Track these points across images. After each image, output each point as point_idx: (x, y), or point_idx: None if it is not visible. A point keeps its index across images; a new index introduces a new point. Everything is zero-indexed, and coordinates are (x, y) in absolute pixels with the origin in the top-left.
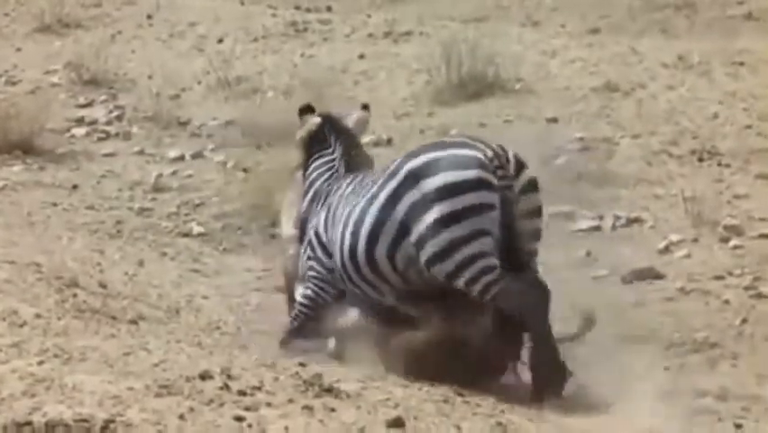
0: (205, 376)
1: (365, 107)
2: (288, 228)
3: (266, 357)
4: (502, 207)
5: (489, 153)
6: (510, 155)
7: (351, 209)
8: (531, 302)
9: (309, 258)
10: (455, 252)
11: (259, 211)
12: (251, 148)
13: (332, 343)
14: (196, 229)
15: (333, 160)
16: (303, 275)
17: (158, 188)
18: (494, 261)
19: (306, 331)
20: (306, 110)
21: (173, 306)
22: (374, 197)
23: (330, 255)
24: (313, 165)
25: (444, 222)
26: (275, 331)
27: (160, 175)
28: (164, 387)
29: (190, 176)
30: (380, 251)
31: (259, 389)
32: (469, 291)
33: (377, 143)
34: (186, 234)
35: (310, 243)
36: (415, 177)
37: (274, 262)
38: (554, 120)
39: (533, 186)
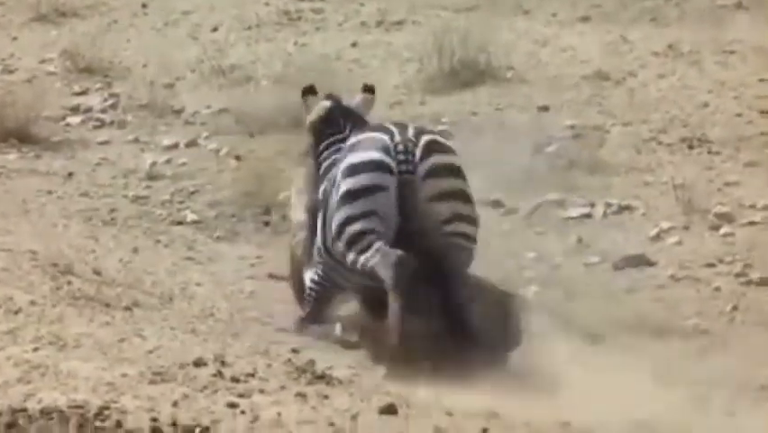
0: (198, 363)
1: (368, 89)
2: (297, 213)
3: (259, 344)
4: (399, 190)
5: (397, 138)
6: (423, 140)
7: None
8: (391, 275)
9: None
10: (347, 228)
11: (251, 199)
12: (244, 136)
13: (338, 328)
14: (190, 217)
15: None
16: (313, 260)
17: (152, 176)
18: (375, 239)
19: (321, 316)
20: (309, 91)
21: (167, 293)
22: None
23: None
24: (326, 149)
25: (342, 200)
26: (269, 318)
27: (155, 163)
28: (158, 374)
29: (184, 164)
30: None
31: (252, 376)
32: (358, 267)
33: None
34: (179, 222)
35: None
36: (343, 157)
37: (267, 249)
38: (546, 108)
39: (442, 170)
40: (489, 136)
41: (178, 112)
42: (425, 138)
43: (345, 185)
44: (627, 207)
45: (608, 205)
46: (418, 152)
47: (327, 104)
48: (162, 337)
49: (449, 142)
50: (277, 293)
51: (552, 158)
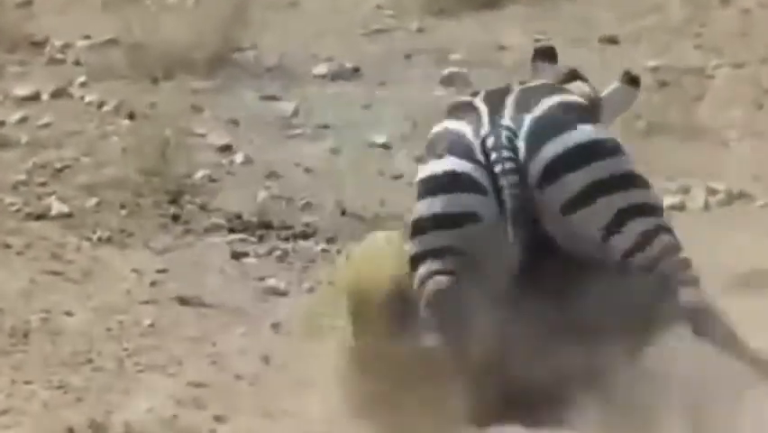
0: None
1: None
2: None
3: (163, 407)
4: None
5: (485, 127)
6: (528, 121)
7: None
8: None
9: None
10: (414, 270)
11: (152, 179)
12: (141, 82)
13: None
14: (57, 208)
15: None
16: None
17: None
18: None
19: None
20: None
21: (20, 327)
22: None
23: None
24: None
25: (410, 231)
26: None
27: (2, 123)
28: None
29: (47, 125)
30: None
31: None
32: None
33: (336, 75)
34: (40, 216)
35: None
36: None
37: (176, 257)
38: (613, 40)
39: (572, 160)
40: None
41: (39, 45)
42: (532, 116)
43: (414, 211)
44: (742, 195)
45: (712, 191)
46: (523, 144)
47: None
48: (12, 396)
49: (581, 106)
50: (190, 327)
51: (623, 118)
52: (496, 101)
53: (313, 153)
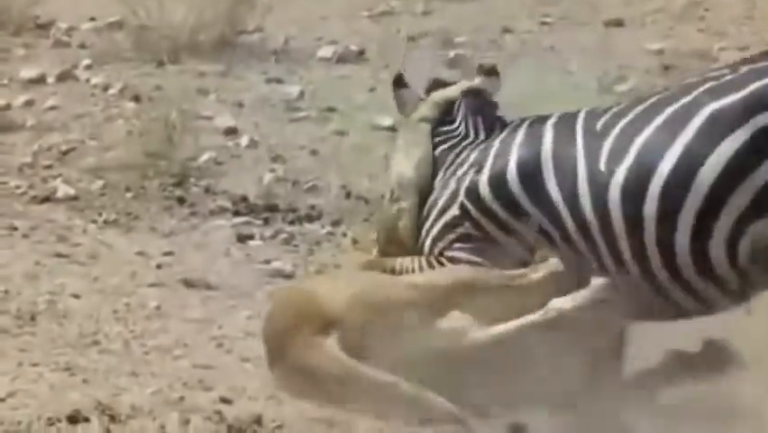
0: (75, 418)
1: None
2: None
3: (170, 388)
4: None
5: None
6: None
7: None
8: None
9: None
10: None
11: (158, 162)
12: (146, 65)
13: None
14: (63, 190)
15: None
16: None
17: (3, 127)
18: None
19: None
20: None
21: (26, 309)
22: None
23: None
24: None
25: None
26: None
27: (8, 106)
28: None
29: (53, 108)
30: None
31: None
32: None
33: (342, 58)
34: (46, 199)
35: None
36: None
37: (181, 240)
38: (618, 23)
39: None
40: (530, 68)
41: (45, 27)
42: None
43: None
44: None
45: None
46: None
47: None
48: (19, 378)
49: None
50: (196, 309)
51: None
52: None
53: (318, 136)
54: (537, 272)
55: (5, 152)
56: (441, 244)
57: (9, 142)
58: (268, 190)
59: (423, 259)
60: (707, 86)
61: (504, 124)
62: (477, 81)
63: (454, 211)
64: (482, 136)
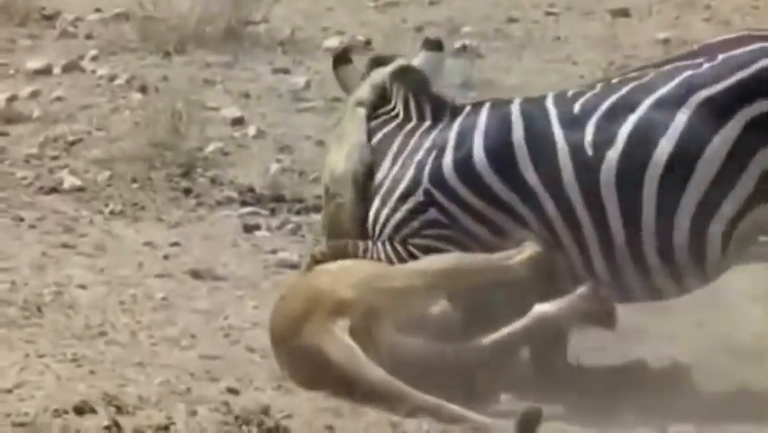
0: (82, 409)
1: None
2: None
3: (177, 380)
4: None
5: None
6: None
7: None
8: None
9: None
10: None
11: (164, 153)
12: (153, 56)
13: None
14: (69, 181)
15: None
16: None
17: (9, 118)
18: None
19: None
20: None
21: (33, 300)
22: None
23: None
24: None
25: None
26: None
27: (14, 97)
28: (20, 426)
29: (59, 99)
30: None
31: (166, 429)
32: None
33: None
34: (53, 190)
35: None
36: None
37: (188, 231)
38: (624, 13)
39: None
40: (534, 57)
41: (50, 18)
42: None
43: None
44: None
45: None
46: None
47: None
48: (26, 370)
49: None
50: (203, 300)
51: None
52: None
53: (325, 126)
54: (518, 255)
55: (12, 143)
56: (405, 231)
57: (16, 134)
58: (274, 181)
59: (388, 246)
60: (686, 74)
61: (455, 108)
62: (420, 56)
63: (419, 197)
64: (428, 118)
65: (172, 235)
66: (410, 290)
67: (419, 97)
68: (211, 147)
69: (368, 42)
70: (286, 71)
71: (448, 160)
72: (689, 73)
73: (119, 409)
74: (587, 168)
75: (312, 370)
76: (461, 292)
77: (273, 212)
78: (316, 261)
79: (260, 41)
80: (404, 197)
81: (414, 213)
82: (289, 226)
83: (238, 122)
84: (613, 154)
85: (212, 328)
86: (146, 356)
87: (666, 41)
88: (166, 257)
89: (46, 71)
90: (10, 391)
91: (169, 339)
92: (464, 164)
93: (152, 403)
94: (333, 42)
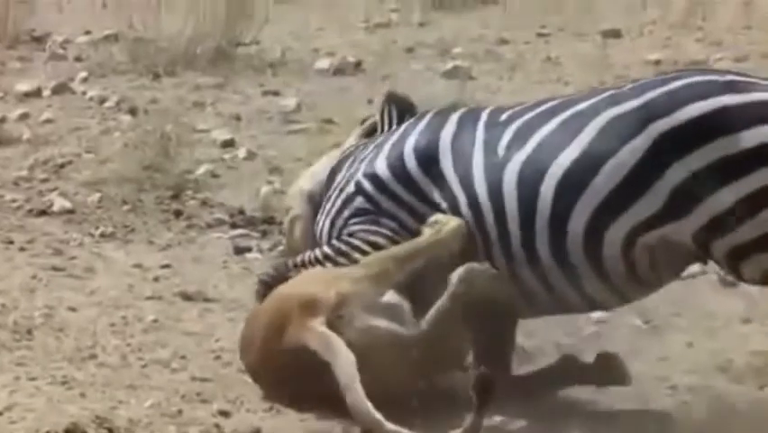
0: (73, 431)
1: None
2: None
3: (168, 402)
4: None
5: None
6: None
7: None
8: None
9: None
10: None
11: (154, 175)
12: (143, 77)
13: None
14: (59, 204)
15: None
16: None
17: None
18: None
19: None
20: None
21: (23, 323)
22: None
23: None
24: None
25: None
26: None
27: (3, 120)
28: None
29: (49, 121)
30: None
31: None
32: None
33: (339, 69)
34: (43, 212)
35: None
36: None
37: (178, 253)
38: (615, 34)
39: None
40: (525, 78)
41: (40, 40)
42: None
43: None
44: None
45: None
46: None
47: None
48: (16, 392)
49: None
50: (194, 322)
51: None
52: None
53: (316, 148)
54: (443, 231)
55: (1, 165)
56: (338, 223)
57: (5, 156)
58: (265, 203)
59: (326, 248)
60: (609, 93)
61: (422, 114)
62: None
63: (350, 189)
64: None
65: (162, 258)
66: (367, 279)
67: (397, 112)
68: (201, 169)
69: (358, 64)
70: (276, 93)
71: (383, 155)
72: (610, 92)
73: (110, 432)
74: (495, 167)
75: (295, 380)
76: (404, 280)
77: (264, 234)
78: (264, 283)
79: (251, 63)
80: (340, 191)
81: (345, 203)
82: (280, 248)
83: (228, 144)
84: (520, 157)
85: (203, 350)
86: (137, 378)
87: (658, 62)
88: (156, 279)
89: (36, 93)
90: (1, 413)
91: (160, 361)
92: (396, 158)
93: (143, 426)
94: (324, 64)
